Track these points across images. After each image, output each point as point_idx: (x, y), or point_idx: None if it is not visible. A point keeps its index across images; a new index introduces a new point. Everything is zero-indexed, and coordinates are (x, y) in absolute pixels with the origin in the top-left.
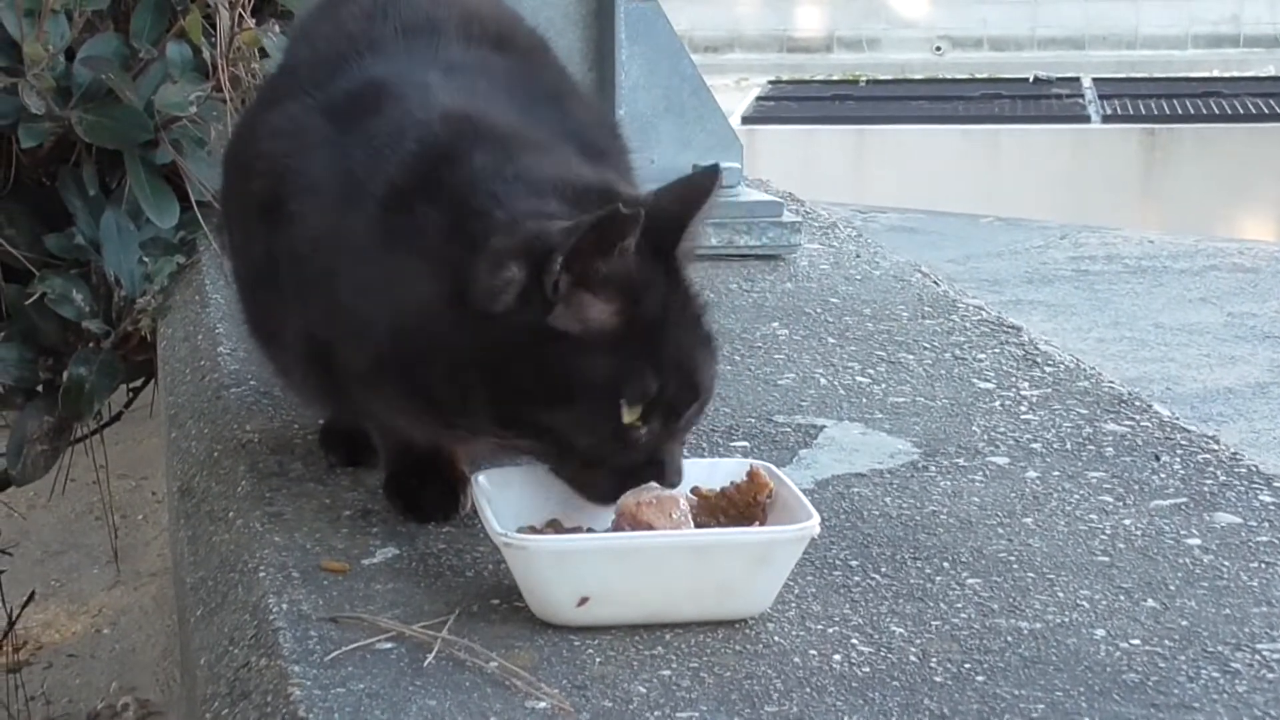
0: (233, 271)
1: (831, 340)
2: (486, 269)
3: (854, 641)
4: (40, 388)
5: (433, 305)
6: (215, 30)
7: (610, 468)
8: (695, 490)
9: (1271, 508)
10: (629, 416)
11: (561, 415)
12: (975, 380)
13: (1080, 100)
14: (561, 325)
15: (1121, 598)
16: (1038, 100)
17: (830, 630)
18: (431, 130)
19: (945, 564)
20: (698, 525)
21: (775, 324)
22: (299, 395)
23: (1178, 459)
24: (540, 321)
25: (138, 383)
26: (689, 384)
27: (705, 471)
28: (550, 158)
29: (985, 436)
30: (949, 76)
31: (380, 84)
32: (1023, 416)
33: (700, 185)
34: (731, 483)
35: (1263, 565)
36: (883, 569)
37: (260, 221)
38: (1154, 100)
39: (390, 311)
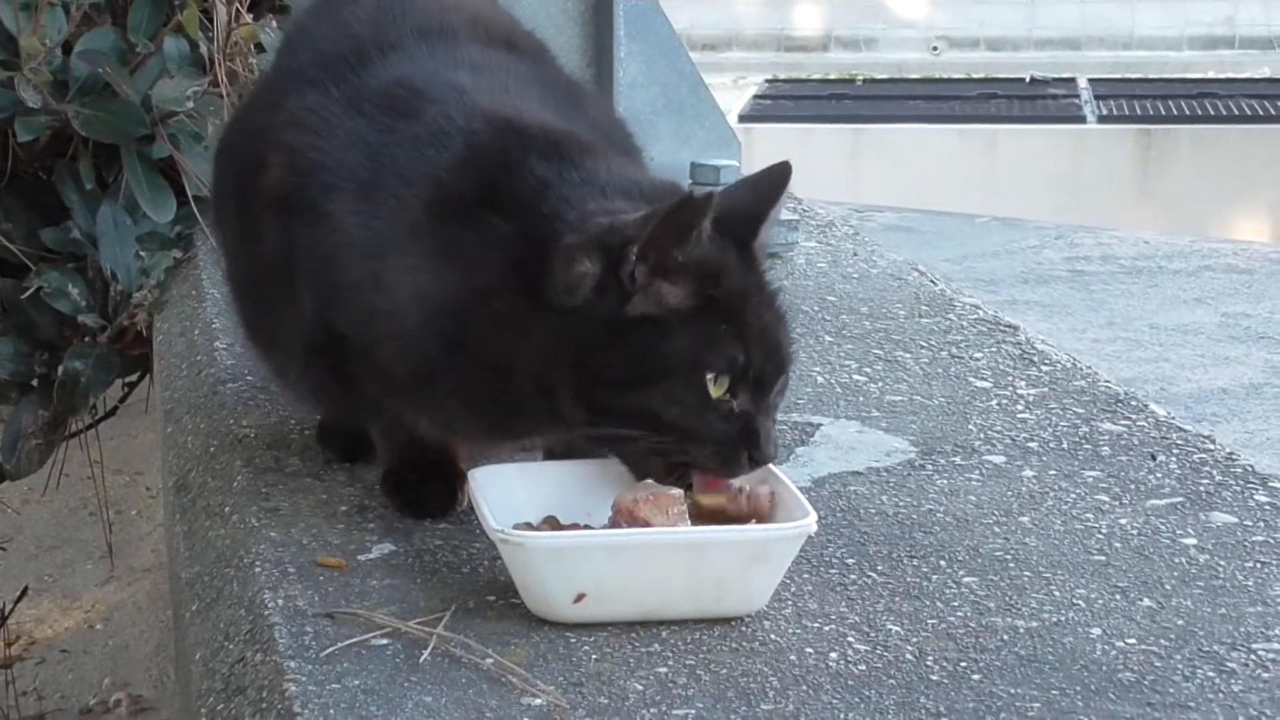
0: (226, 269)
1: (828, 338)
2: (561, 265)
3: (850, 639)
4: (35, 382)
5: (506, 311)
6: (212, 25)
7: (707, 440)
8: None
9: (1267, 507)
10: (716, 390)
11: (648, 394)
12: (972, 379)
13: (1076, 101)
14: (640, 312)
15: (1117, 597)
16: (1034, 100)
17: (827, 628)
18: (478, 135)
19: (942, 562)
20: (694, 524)
21: None
22: (294, 394)
23: (1174, 459)
24: (618, 310)
25: (133, 377)
26: (774, 357)
27: None
28: (603, 159)
29: (982, 435)
30: (946, 76)
31: (410, 83)
32: (1019, 415)
33: (775, 179)
34: None
35: (1258, 565)
36: (879, 567)
37: (272, 217)
38: (1149, 101)
39: (450, 320)
